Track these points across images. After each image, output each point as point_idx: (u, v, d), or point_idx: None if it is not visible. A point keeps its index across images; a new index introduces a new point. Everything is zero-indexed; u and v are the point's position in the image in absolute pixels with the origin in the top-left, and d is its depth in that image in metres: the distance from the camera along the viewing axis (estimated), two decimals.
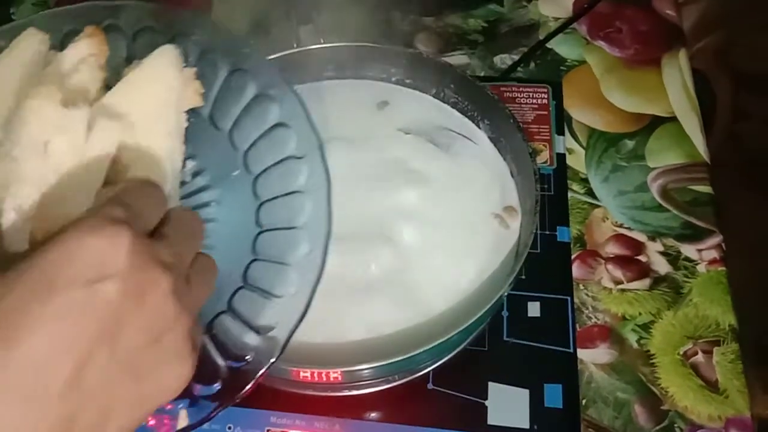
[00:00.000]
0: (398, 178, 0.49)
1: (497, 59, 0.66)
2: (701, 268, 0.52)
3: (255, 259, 0.36)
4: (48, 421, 0.22)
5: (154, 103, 0.33)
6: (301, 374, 0.40)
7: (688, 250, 0.53)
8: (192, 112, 0.36)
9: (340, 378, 0.40)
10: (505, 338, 0.47)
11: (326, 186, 0.36)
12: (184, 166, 0.35)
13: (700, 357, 0.48)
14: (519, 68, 0.64)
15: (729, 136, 0.80)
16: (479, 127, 0.53)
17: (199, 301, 0.29)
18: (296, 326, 0.35)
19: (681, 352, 0.48)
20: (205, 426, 0.44)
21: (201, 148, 0.38)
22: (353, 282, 0.45)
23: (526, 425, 0.44)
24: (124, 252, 0.24)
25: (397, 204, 0.48)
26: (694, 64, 0.65)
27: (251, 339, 0.35)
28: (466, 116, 0.53)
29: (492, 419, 0.44)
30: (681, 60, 0.64)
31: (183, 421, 0.35)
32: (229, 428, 0.44)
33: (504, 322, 0.48)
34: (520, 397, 0.45)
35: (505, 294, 0.43)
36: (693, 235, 0.53)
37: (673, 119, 0.60)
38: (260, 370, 0.34)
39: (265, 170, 0.38)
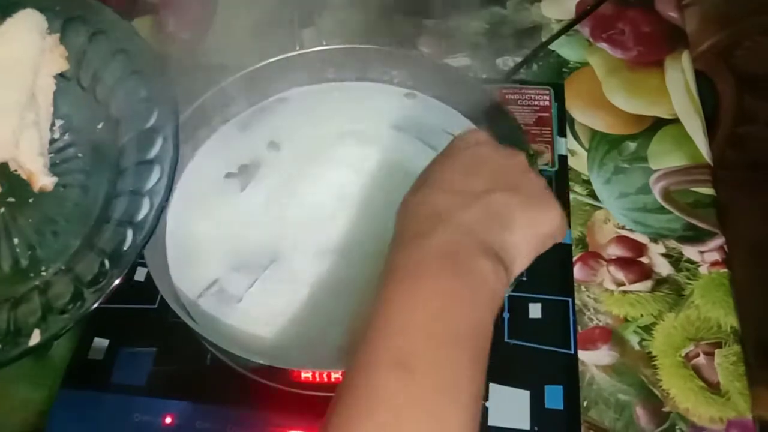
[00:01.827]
0: (397, 178, 0.49)
1: (500, 61, 0.66)
2: (703, 269, 0.52)
3: (116, 196, 0.43)
4: (473, 209, 0.34)
5: (9, 60, 0.38)
6: (303, 375, 0.40)
7: (690, 251, 0.52)
8: (60, 76, 0.45)
9: (341, 379, 0.40)
10: (506, 339, 0.47)
11: (174, 122, 0.43)
12: (53, 124, 0.45)
13: (701, 359, 0.48)
14: (521, 70, 0.64)
15: (732, 138, 0.81)
16: (481, 129, 0.53)
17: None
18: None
19: (682, 354, 0.48)
20: (206, 426, 0.44)
21: (68, 107, 0.47)
22: (353, 282, 0.45)
23: (527, 426, 0.44)
24: (484, 136, 0.40)
25: (393, 205, 0.48)
26: (697, 66, 0.64)
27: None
28: (467, 118, 0.54)
29: (493, 420, 0.44)
30: (684, 62, 0.64)
31: None
32: (230, 429, 0.44)
33: (505, 323, 0.48)
34: (521, 398, 0.45)
35: (506, 295, 0.43)
36: (695, 236, 0.53)
37: (676, 121, 0.60)
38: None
39: (124, 117, 0.45)
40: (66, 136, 0.47)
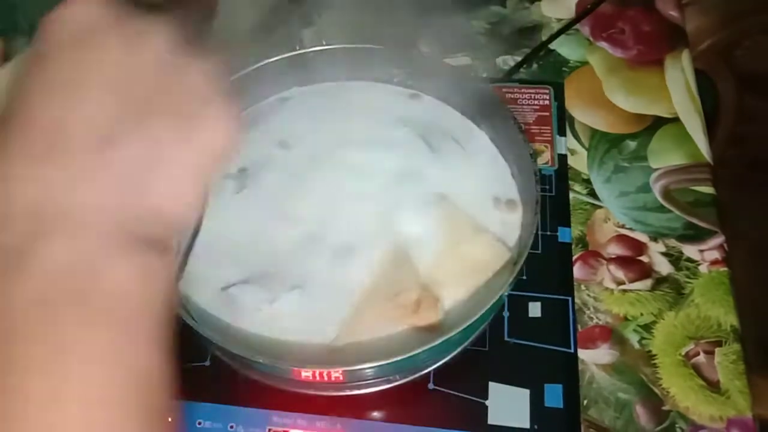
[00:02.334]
0: (397, 177, 0.49)
1: (500, 60, 0.66)
2: (703, 268, 0.52)
3: None
4: (91, 182, 0.22)
5: None
6: (303, 374, 0.40)
7: (690, 250, 0.53)
8: None
9: (341, 377, 0.40)
10: (506, 338, 0.47)
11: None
12: None
13: (701, 357, 0.48)
14: (521, 69, 0.64)
15: (732, 136, 0.80)
16: (480, 128, 0.53)
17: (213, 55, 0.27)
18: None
19: (682, 353, 0.48)
20: (207, 425, 0.45)
21: None
22: (355, 282, 0.45)
23: (527, 425, 0.44)
24: (105, 8, 0.24)
25: (395, 204, 0.48)
26: (697, 65, 0.64)
27: None
28: (467, 117, 0.54)
29: (492, 419, 0.44)
30: (684, 61, 0.64)
31: None
32: (231, 427, 0.44)
33: (505, 322, 0.48)
34: (521, 397, 0.45)
35: (506, 294, 0.43)
36: (695, 235, 0.53)
37: (676, 120, 0.60)
38: None
39: None
40: None
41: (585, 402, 0.46)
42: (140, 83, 0.23)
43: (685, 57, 0.64)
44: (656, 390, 0.46)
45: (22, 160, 0.22)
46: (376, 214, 0.48)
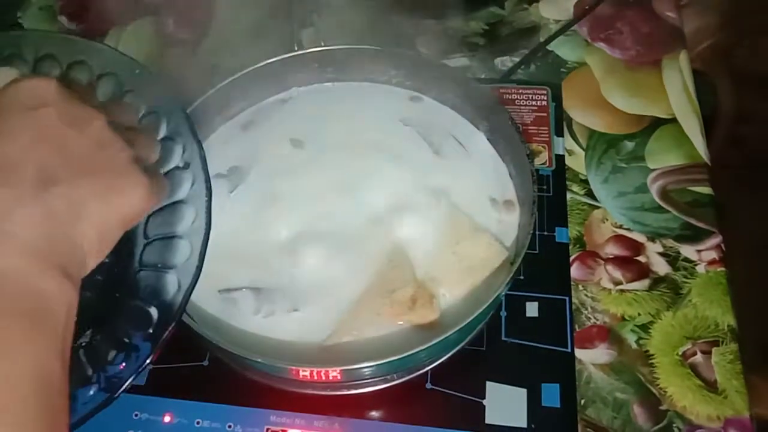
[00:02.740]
0: (396, 176, 0.50)
1: (498, 61, 0.66)
2: (700, 268, 0.52)
3: (140, 270, 0.39)
4: (28, 209, 0.27)
5: None
6: (301, 373, 0.40)
7: (688, 250, 0.53)
8: None
9: (339, 377, 0.40)
10: (503, 338, 0.47)
11: (207, 195, 0.40)
12: None
13: (699, 357, 0.48)
14: (520, 70, 0.65)
15: (731, 137, 0.80)
16: (478, 129, 0.53)
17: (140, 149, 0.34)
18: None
19: (680, 353, 0.48)
20: (205, 424, 0.45)
21: None
22: (351, 282, 0.45)
23: (524, 424, 0.44)
24: (54, 88, 0.30)
25: (394, 203, 0.48)
26: (696, 65, 0.65)
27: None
28: (465, 117, 0.54)
29: (490, 418, 0.44)
30: (681, 61, 0.64)
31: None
32: (229, 427, 0.44)
33: (502, 321, 0.48)
34: (518, 396, 0.45)
35: (503, 293, 0.43)
36: (692, 236, 0.53)
37: (673, 120, 0.60)
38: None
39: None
40: None
41: (583, 402, 0.46)
42: (78, 150, 0.30)
43: (683, 58, 0.64)
44: (654, 390, 0.47)
45: None
46: (374, 212, 0.48)
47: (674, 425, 0.45)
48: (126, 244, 0.39)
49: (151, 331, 0.38)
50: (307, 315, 0.44)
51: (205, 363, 0.47)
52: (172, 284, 0.39)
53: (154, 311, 0.38)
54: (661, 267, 0.52)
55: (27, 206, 0.27)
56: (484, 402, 0.45)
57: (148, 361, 0.37)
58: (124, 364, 0.37)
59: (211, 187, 0.40)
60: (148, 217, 0.39)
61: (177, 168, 0.40)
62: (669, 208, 0.55)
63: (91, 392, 0.36)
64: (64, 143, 0.29)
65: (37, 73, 0.41)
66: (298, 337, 0.44)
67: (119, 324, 0.38)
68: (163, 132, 0.41)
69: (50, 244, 0.27)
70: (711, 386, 0.46)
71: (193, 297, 0.45)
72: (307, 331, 0.44)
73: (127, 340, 0.38)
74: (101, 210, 0.30)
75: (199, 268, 0.38)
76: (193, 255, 0.39)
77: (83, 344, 0.38)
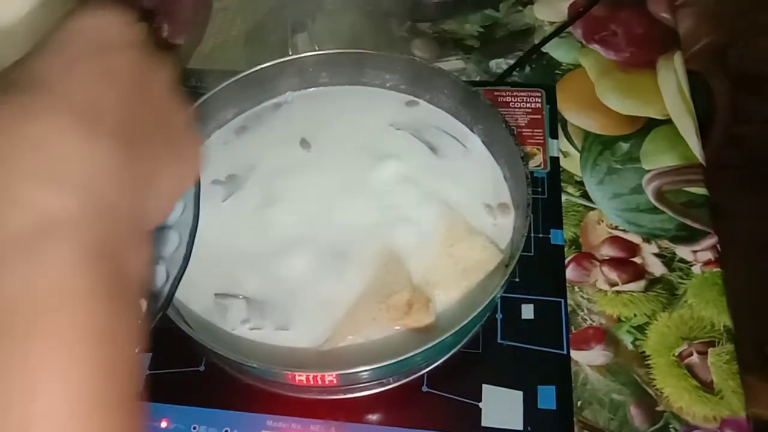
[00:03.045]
0: (391, 179, 0.50)
1: (493, 64, 0.66)
2: (696, 269, 0.52)
3: None
4: (114, 158, 0.23)
5: None
6: (297, 377, 0.40)
7: (683, 251, 0.53)
8: None
9: (335, 381, 0.40)
10: (499, 340, 0.47)
11: (195, 186, 0.39)
12: None
13: (695, 358, 0.48)
14: (514, 72, 0.65)
15: (727, 137, 0.81)
16: (473, 131, 0.53)
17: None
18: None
19: (676, 354, 0.48)
20: (202, 429, 0.45)
21: None
22: (348, 286, 0.45)
23: (520, 427, 0.44)
24: (125, 29, 0.26)
25: (389, 207, 0.48)
26: (691, 66, 0.65)
27: None
28: (459, 120, 0.54)
29: (486, 421, 0.44)
30: (676, 62, 0.64)
31: None
32: (226, 431, 0.44)
33: (498, 324, 0.48)
34: (514, 399, 0.45)
35: (499, 296, 0.43)
36: (688, 236, 0.53)
37: (668, 121, 0.60)
38: None
39: None
40: None
41: (579, 403, 0.46)
42: (145, 105, 0.26)
43: (678, 59, 0.64)
44: (650, 391, 0.47)
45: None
46: (369, 216, 0.48)
47: (671, 426, 0.45)
48: None
49: (138, 321, 0.38)
50: (296, 335, 0.44)
51: (201, 368, 0.47)
52: (161, 275, 0.39)
53: (142, 302, 0.39)
54: (656, 268, 0.52)
55: (114, 155, 0.23)
56: (480, 405, 0.45)
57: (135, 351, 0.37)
58: None
59: (199, 177, 0.40)
60: None
61: None
62: (664, 209, 0.55)
63: None
64: (138, 93, 0.26)
65: None
66: (294, 341, 0.44)
67: None
68: None
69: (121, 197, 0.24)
70: (707, 387, 0.46)
71: (188, 303, 0.45)
72: (302, 335, 0.44)
73: None
74: (174, 170, 0.28)
75: (187, 258, 0.38)
76: (181, 245, 0.39)
77: None
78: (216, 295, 0.46)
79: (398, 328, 0.44)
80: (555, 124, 0.60)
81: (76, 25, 0.26)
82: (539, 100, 0.61)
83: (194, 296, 0.46)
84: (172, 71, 0.28)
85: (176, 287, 0.38)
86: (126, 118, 0.24)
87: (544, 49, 0.66)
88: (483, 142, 0.53)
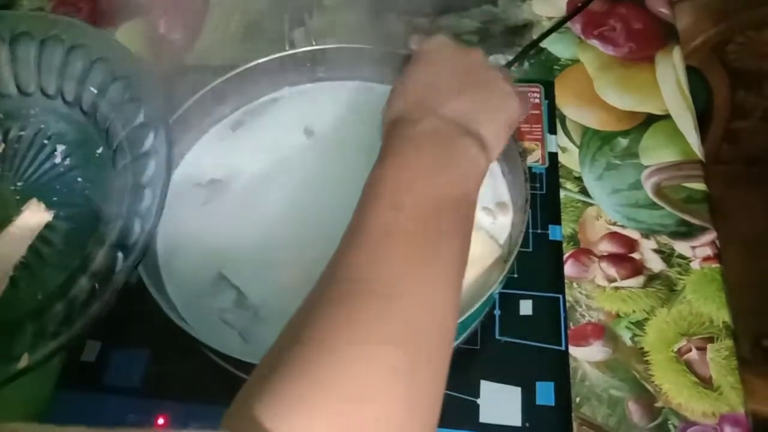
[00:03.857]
0: None
1: (491, 59, 0.66)
2: (695, 265, 0.52)
3: (111, 219, 0.44)
4: (452, 103, 0.40)
5: None
6: None
7: (682, 247, 0.53)
8: (63, 102, 0.49)
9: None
10: (497, 336, 0.47)
11: (168, 148, 0.44)
12: (55, 150, 0.49)
13: (694, 354, 0.48)
14: (513, 68, 0.64)
15: (726, 133, 0.81)
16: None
17: None
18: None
19: (675, 349, 0.48)
20: (199, 426, 0.44)
21: (70, 133, 0.49)
22: None
23: (518, 423, 0.44)
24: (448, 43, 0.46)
25: None
26: (690, 62, 0.65)
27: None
28: None
29: (484, 417, 0.44)
30: (675, 58, 0.64)
31: None
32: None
33: (496, 320, 0.48)
34: (512, 395, 0.45)
35: (497, 292, 0.43)
36: (687, 232, 0.53)
37: (667, 117, 0.60)
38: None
39: (119, 143, 0.47)
40: (67, 161, 0.48)
41: (578, 399, 0.46)
42: (470, 73, 0.43)
43: (676, 54, 0.64)
44: (649, 387, 0.47)
45: (417, 92, 0.42)
46: None
47: (669, 422, 0.45)
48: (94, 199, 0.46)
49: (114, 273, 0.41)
50: (294, 304, 0.44)
51: (200, 364, 0.47)
52: (136, 229, 0.43)
53: (120, 255, 0.42)
54: (655, 264, 0.52)
55: (452, 101, 0.40)
56: (479, 401, 0.45)
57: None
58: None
59: (171, 141, 0.45)
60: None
61: (142, 125, 0.46)
62: (663, 205, 0.55)
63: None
64: (463, 66, 0.43)
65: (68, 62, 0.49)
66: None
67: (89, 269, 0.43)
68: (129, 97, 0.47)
69: (469, 123, 0.39)
70: (706, 382, 0.46)
71: (189, 301, 0.45)
72: None
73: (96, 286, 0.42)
74: (494, 112, 0.41)
75: (159, 212, 0.43)
76: (154, 201, 0.43)
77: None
78: (220, 274, 0.46)
79: None
80: (553, 119, 0.60)
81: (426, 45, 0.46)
82: (538, 96, 0.61)
83: (195, 293, 0.46)
84: (479, 53, 0.45)
85: (150, 239, 0.42)
86: (458, 84, 0.42)
87: (542, 45, 0.66)
88: None
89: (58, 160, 0.49)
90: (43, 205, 0.45)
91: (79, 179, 0.48)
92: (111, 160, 0.47)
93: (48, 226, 0.46)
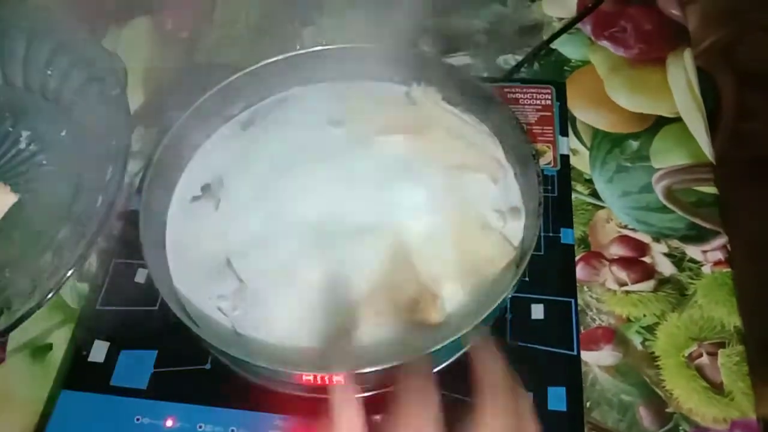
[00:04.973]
0: (399, 177, 0.49)
1: (501, 60, 0.65)
2: (706, 269, 0.51)
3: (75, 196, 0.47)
4: None
5: None
6: (304, 377, 0.40)
7: (693, 251, 0.52)
8: (26, 89, 0.49)
9: (343, 381, 0.40)
10: (508, 341, 0.47)
11: (127, 127, 0.46)
12: (20, 135, 0.49)
13: (705, 359, 0.47)
14: (523, 69, 0.64)
15: (734, 135, 0.80)
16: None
17: None
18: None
19: (686, 354, 0.48)
20: (208, 428, 0.44)
21: (34, 118, 0.50)
22: (355, 286, 0.45)
23: None
24: None
25: (397, 204, 0.48)
26: (698, 63, 0.64)
27: None
28: (470, 116, 0.53)
29: None
30: (686, 59, 0.64)
31: None
32: (232, 431, 0.44)
33: (508, 324, 0.48)
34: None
35: (509, 296, 0.43)
36: (698, 236, 0.53)
37: (678, 120, 0.60)
38: None
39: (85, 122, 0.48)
40: (32, 146, 0.50)
41: (588, 404, 0.46)
42: None
43: (687, 55, 0.64)
44: (659, 392, 0.46)
45: None
46: (377, 211, 0.47)
47: (680, 427, 0.45)
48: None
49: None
50: (309, 314, 0.44)
51: (208, 366, 0.47)
52: (99, 201, 0.45)
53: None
54: (666, 268, 0.52)
55: None
56: None
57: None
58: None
59: (129, 113, 0.47)
60: None
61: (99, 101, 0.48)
62: (674, 208, 0.54)
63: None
64: None
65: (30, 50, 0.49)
66: (300, 340, 0.43)
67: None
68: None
69: None
70: (717, 388, 0.46)
71: (194, 301, 0.45)
72: (309, 334, 0.43)
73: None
74: None
75: (119, 184, 0.44)
76: (114, 175, 0.45)
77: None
78: (227, 260, 0.45)
79: (405, 324, 0.43)
80: (565, 121, 0.59)
81: None
82: (549, 97, 0.60)
83: (202, 294, 0.45)
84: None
85: (108, 213, 0.44)
86: None
87: (552, 46, 0.66)
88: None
89: (23, 146, 0.50)
90: (8, 187, 0.46)
91: (44, 162, 0.50)
92: (73, 142, 0.49)
93: (15, 206, 0.47)
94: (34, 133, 0.50)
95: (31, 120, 0.51)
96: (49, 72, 0.50)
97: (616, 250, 0.53)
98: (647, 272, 0.51)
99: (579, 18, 0.67)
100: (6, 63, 0.51)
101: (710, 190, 0.55)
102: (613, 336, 0.49)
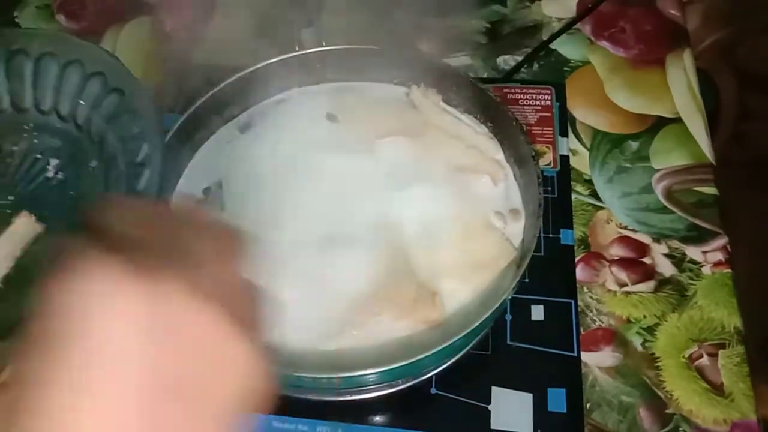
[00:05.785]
0: (398, 178, 0.49)
1: (500, 60, 0.65)
2: (706, 270, 0.51)
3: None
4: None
5: None
6: (304, 377, 0.40)
7: (693, 252, 0.52)
8: (58, 117, 0.50)
9: (342, 383, 0.40)
10: (508, 342, 0.47)
11: (160, 157, 0.45)
12: (48, 163, 0.49)
13: (705, 360, 0.47)
14: (522, 69, 0.64)
15: (734, 136, 0.80)
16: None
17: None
18: None
19: (686, 355, 0.48)
20: None
21: (64, 146, 0.49)
22: (355, 284, 0.45)
23: (530, 430, 0.43)
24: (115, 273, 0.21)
25: (397, 205, 0.48)
26: (698, 64, 0.64)
27: None
28: (469, 118, 0.53)
29: (495, 424, 0.44)
30: (685, 60, 0.64)
31: None
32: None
33: (508, 325, 0.48)
34: (524, 401, 0.44)
35: (509, 297, 0.42)
36: (698, 237, 0.53)
37: (678, 120, 0.60)
38: None
39: (113, 155, 0.47)
40: (60, 175, 0.49)
41: (588, 405, 0.46)
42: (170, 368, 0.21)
43: (687, 56, 0.64)
44: (660, 393, 0.46)
45: None
46: (377, 212, 0.47)
47: (680, 429, 0.45)
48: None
49: None
50: (307, 314, 0.43)
51: None
52: None
53: None
54: (666, 268, 0.52)
55: None
56: (490, 407, 0.44)
57: None
58: None
59: (165, 149, 0.46)
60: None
61: (135, 136, 0.47)
62: (674, 209, 0.54)
63: None
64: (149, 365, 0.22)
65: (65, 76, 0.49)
66: (299, 341, 0.43)
67: None
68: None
69: None
70: (717, 389, 0.46)
71: None
72: (308, 335, 0.43)
73: None
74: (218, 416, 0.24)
75: (156, 190, 0.44)
76: (151, 179, 0.44)
77: None
78: None
79: (405, 324, 0.43)
80: (565, 122, 0.59)
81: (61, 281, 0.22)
82: (549, 98, 0.60)
83: None
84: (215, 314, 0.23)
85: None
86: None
87: (552, 46, 0.66)
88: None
89: (50, 174, 0.49)
90: (33, 218, 0.46)
91: (72, 192, 0.48)
92: (104, 173, 0.48)
93: (42, 237, 0.45)
94: (62, 161, 0.49)
95: (59, 148, 0.50)
96: (81, 101, 0.49)
97: (616, 251, 0.53)
98: (647, 273, 0.51)
99: (579, 18, 0.67)
100: (37, 89, 0.50)
101: (710, 190, 0.55)
102: (613, 337, 0.48)
